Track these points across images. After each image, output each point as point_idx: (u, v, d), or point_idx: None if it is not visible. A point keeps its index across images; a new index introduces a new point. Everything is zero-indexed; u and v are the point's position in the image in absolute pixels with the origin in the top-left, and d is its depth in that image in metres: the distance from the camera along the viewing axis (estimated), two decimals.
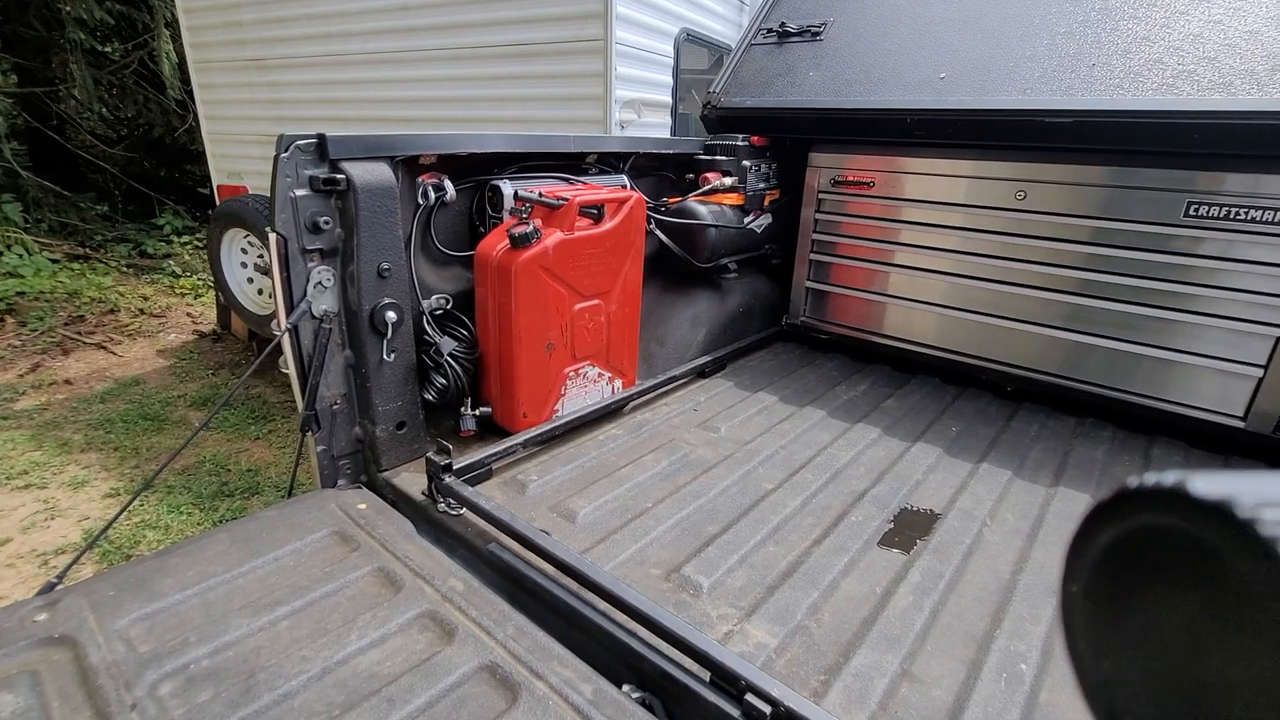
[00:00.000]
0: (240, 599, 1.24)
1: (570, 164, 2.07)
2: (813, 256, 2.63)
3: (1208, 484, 0.24)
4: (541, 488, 1.65)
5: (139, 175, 8.67)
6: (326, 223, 1.48)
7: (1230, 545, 0.23)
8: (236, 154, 4.87)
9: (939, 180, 2.22)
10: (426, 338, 1.73)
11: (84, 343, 5.63)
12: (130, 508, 3.52)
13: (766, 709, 0.97)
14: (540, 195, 1.71)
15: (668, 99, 3.86)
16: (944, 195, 2.23)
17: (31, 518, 3.44)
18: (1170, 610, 0.27)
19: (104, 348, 5.63)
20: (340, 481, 1.69)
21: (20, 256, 6.31)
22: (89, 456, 4.03)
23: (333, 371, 1.60)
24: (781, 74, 2.48)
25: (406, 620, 1.20)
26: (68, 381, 5.04)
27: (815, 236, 2.60)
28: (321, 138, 1.44)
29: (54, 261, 6.65)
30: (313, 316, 1.53)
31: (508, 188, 1.83)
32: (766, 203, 2.58)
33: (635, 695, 1.10)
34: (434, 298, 1.77)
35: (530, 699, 1.04)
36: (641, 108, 3.55)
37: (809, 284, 2.68)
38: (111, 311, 6.22)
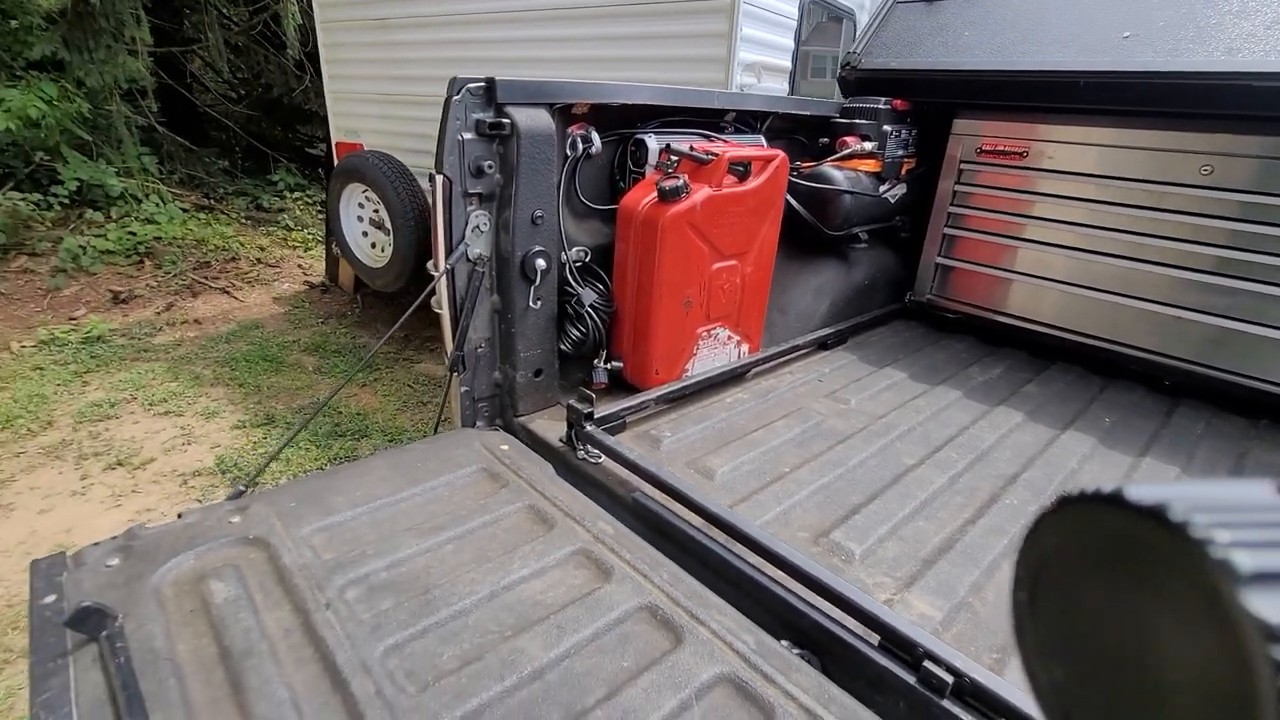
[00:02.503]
0: (405, 521, 1.30)
1: (710, 121, 2.03)
2: (947, 230, 2.49)
3: (1144, 491, 0.25)
4: (675, 444, 1.65)
5: (256, 133, 9.20)
6: (490, 167, 1.50)
7: (1165, 548, 0.24)
8: (355, 112, 5.07)
9: (1108, 152, 2.04)
10: (567, 288, 1.75)
11: (210, 286, 6.08)
12: (256, 440, 3.80)
13: (949, 679, 0.94)
14: (691, 149, 1.68)
15: (787, 63, 3.72)
16: (1112, 169, 2.05)
17: (171, 441, 3.76)
18: (1113, 613, 0.28)
19: (227, 292, 6.06)
20: (478, 423, 1.74)
21: (156, 205, 6.84)
22: (217, 390, 4.37)
23: (480, 316, 1.64)
24: (931, 34, 2.33)
25: (563, 556, 1.22)
26: (197, 321, 5.46)
27: (952, 209, 2.45)
28: (491, 81, 1.45)
29: (184, 211, 7.18)
30: (468, 260, 1.57)
31: (653, 142, 1.81)
32: (903, 172, 2.45)
33: (795, 651, 1.08)
34: (575, 249, 1.78)
35: (695, 642, 1.04)
36: (762, 71, 3.44)
37: (939, 260, 2.54)
38: (233, 259, 6.68)
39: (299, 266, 6.94)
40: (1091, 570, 0.28)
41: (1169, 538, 0.24)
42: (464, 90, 1.43)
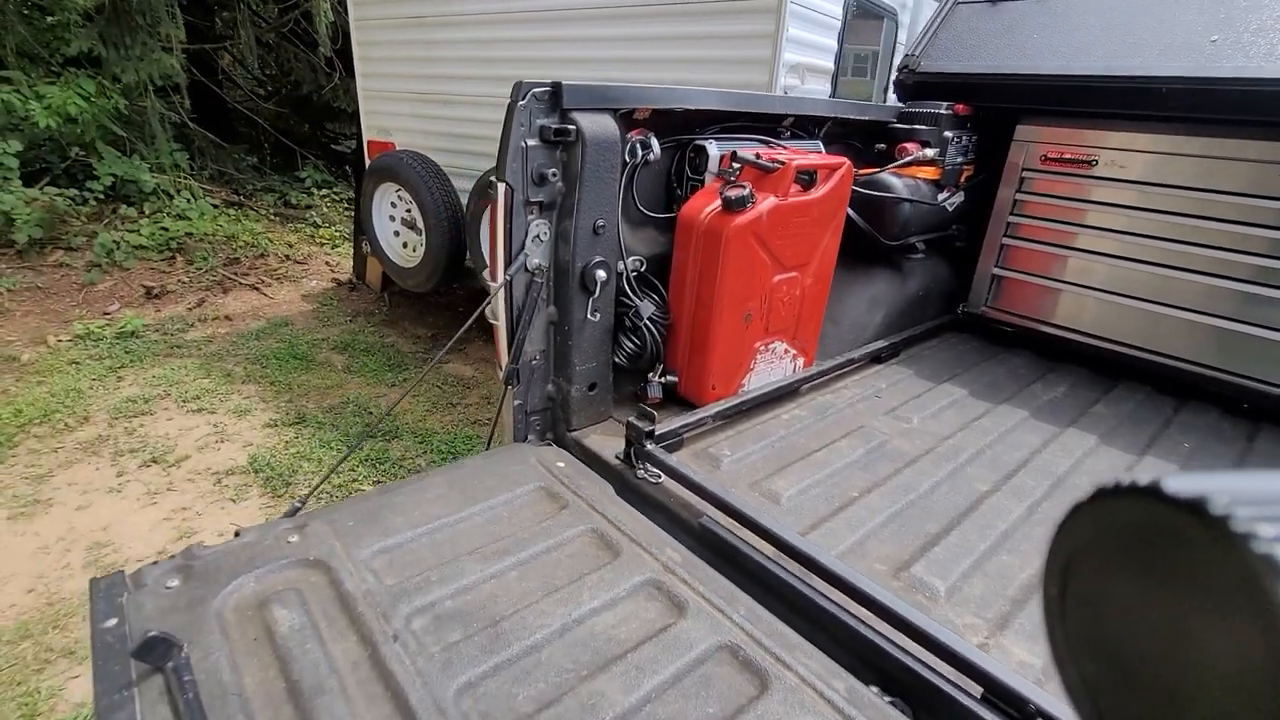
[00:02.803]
0: (466, 543, 1.25)
1: (769, 126, 1.96)
2: (1005, 240, 2.40)
3: (1182, 483, 0.24)
4: (736, 464, 1.58)
5: (285, 130, 9.27)
6: (554, 174, 1.45)
7: (1204, 542, 0.23)
8: (387, 111, 5.06)
9: (1191, 162, 1.94)
10: (624, 299, 1.70)
11: (240, 283, 6.11)
12: (288, 440, 3.80)
13: None
14: (757, 157, 1.62)
15: (830, 64, 3.63)
16: (1193, 179, 1.95)
17: (204, 439, 3.77)
18: (1147, 607, 0.27)
19: (256, 289, 6.09)
20: (530, 437, 1.69)
21: (188, 201, 6.90)
22: (249, 388, 4.38)
23: (535, 327, 1.59)
24: (995, 35, 2.24)
25: (633, 586, 1.17)
26: (228, 317, 5.50)
27: (1011, 219, 2.36)
28: (557, 86, 1.40)
29: (214, 207, 7.24)
30: (526, 270, 1.52)
31: (713, 148, 1.74)
32: (962, 179, 2.37)
33: (887, 699, 1.02)
34: (631, 259, 1.73)
35: (783, 688, 0.98)
36: (805, 73, 3.36)
37: (996, 271, 2.45)
38: (262, 256, 6.72)
39: (326, 264, 6.97)
40: (1126, 563, 0.28)
41: (1209, 531, 0.23)
42: (529, 95, 1.38)
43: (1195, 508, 0.23)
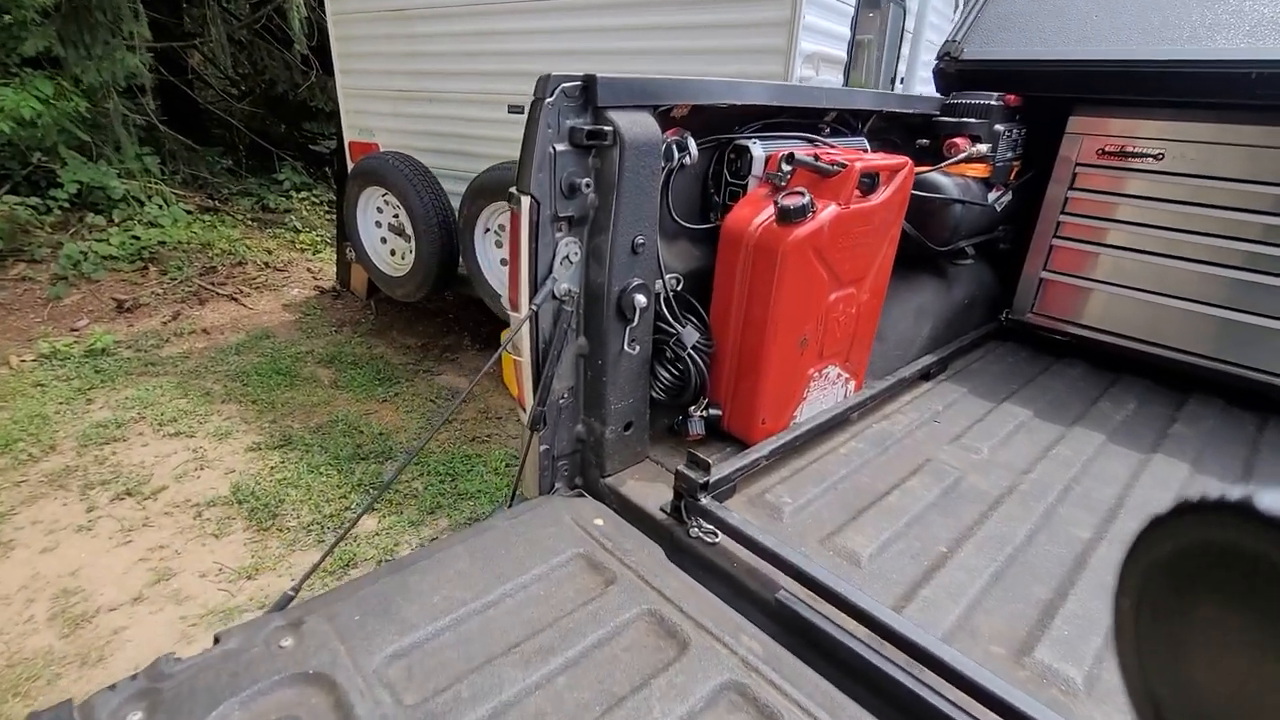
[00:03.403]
0: (500, 638, 1.03)
1: (810, 123, 1.75)
2: (1055, 242, 2.21)
3: (1276, 499, 0.22)
4: (799, 513, 1.37)
5: (260, 131, 8.90)
6: (588, 185, 1.22)
7: None
8: (369, 110, 4.77)
9: (1275, 154, 1.76)
10: (662, 325, 1.48)
11: (217, 293, 5.80)
12: (274, 465, 3.54)
13: None
14: (816, 159, 1.40)
15: (843, 54, 3.43)
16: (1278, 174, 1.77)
17: (183, 466, 3.50)
18: (1228, 639, 0.25)
19: (235, 299, 5.78)
20: (557, 485, 1.47)
21: (160, 207, 6.56)
22: (230, 408, 4.10)
23: (563, 362, 1.37)
24: (1047, 16, 2.04)
25: (711, 692, 0.95)
26: (205, 331, 5.20)
27: (1063, 218, 2.17)
28: (590, 80, 1.17)
29: (188, 213, 6.89)
30: (554, 297, 1.29)
31: (758, 149, 1.53)
32: (1011, 177, 2.17)
33: None
34: (668, 277, 1.51)
35: None
36: (820, 63, 3.15)
37: (1044, 274, 2.26)
38: (240, 264, 6.40)
39: (308, 270, 6.67)
40: (1207, 582, 0.26)
41: None
42: (557, 91, 1.15)
43: None
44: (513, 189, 1.22)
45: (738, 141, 1.55)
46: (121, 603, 2.65)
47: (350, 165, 4.67)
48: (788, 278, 1.38)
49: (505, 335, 1.32)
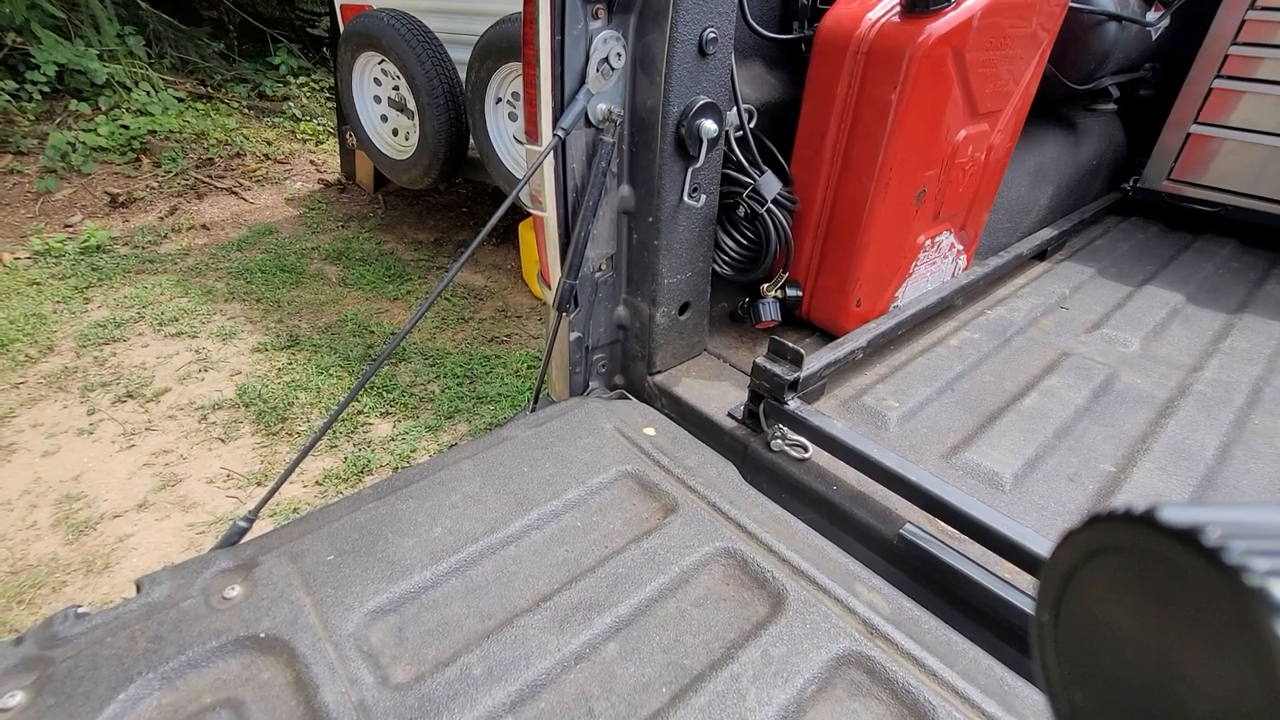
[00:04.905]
0: (524, 589, 0.75)
1: None
2: (1218, 84, 1.72)
3: (1178, 513, 0.24)
4: (909, 421, 1.05)
5: (252, 10, 8.14)
6: None
7: (1198, 573, 0.23)
8: None
9: None
10: (730, 173, 1.09)
11: (216, 187, 5.43)
12: (281, 366, 3.31)
13: None
14: None
15: None
16: None
17: (186, 368, 3.29)
18: (1139, 637, 0.27)
19: (235, 193, 5.41)
20: (593, 384, 1.15)
21: (148, 93, 6.06)
22: (233, 307, 3.85)
23: (602, 220, 1.01)
24: None
25: (823, 669, 0.67)
26: (205, 226, 4.87)
27: (1234, 49, 1.68)
28: None
29: (179, 100, 6.39)
30: (588, 122, 0.92)
31: None
32: None
33: None
34: (742, 107, 1.10)
35: None
36: None
37: (1195, 128, 1.79)
38: (238, 155, 5.97)
39: (311, 162, 6.22)
40: (1119, 592, 0.27)
41: (1202, 562, 0.23)
42: None
43: (1189, 538, 0.23)
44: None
45: None
46: (126, 509, 2.49)
47: (342, 30, 4.12)
48: (915, 96, 0.97)
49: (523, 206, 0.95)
